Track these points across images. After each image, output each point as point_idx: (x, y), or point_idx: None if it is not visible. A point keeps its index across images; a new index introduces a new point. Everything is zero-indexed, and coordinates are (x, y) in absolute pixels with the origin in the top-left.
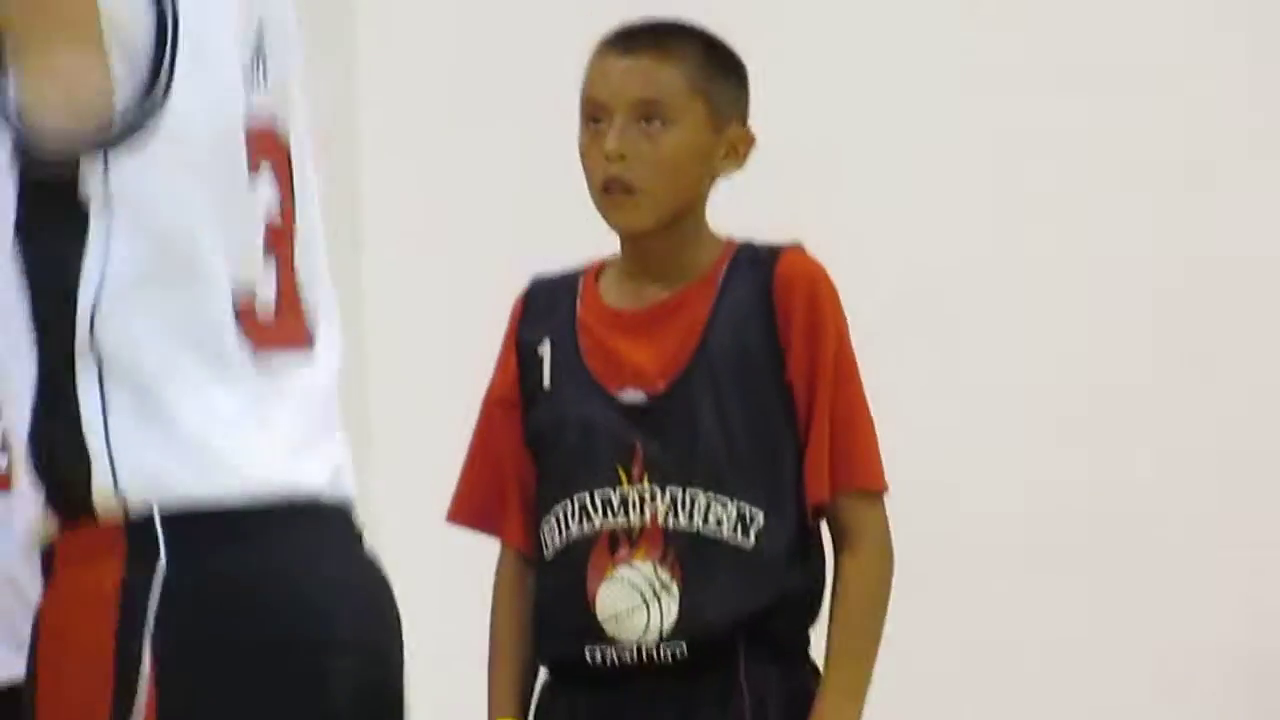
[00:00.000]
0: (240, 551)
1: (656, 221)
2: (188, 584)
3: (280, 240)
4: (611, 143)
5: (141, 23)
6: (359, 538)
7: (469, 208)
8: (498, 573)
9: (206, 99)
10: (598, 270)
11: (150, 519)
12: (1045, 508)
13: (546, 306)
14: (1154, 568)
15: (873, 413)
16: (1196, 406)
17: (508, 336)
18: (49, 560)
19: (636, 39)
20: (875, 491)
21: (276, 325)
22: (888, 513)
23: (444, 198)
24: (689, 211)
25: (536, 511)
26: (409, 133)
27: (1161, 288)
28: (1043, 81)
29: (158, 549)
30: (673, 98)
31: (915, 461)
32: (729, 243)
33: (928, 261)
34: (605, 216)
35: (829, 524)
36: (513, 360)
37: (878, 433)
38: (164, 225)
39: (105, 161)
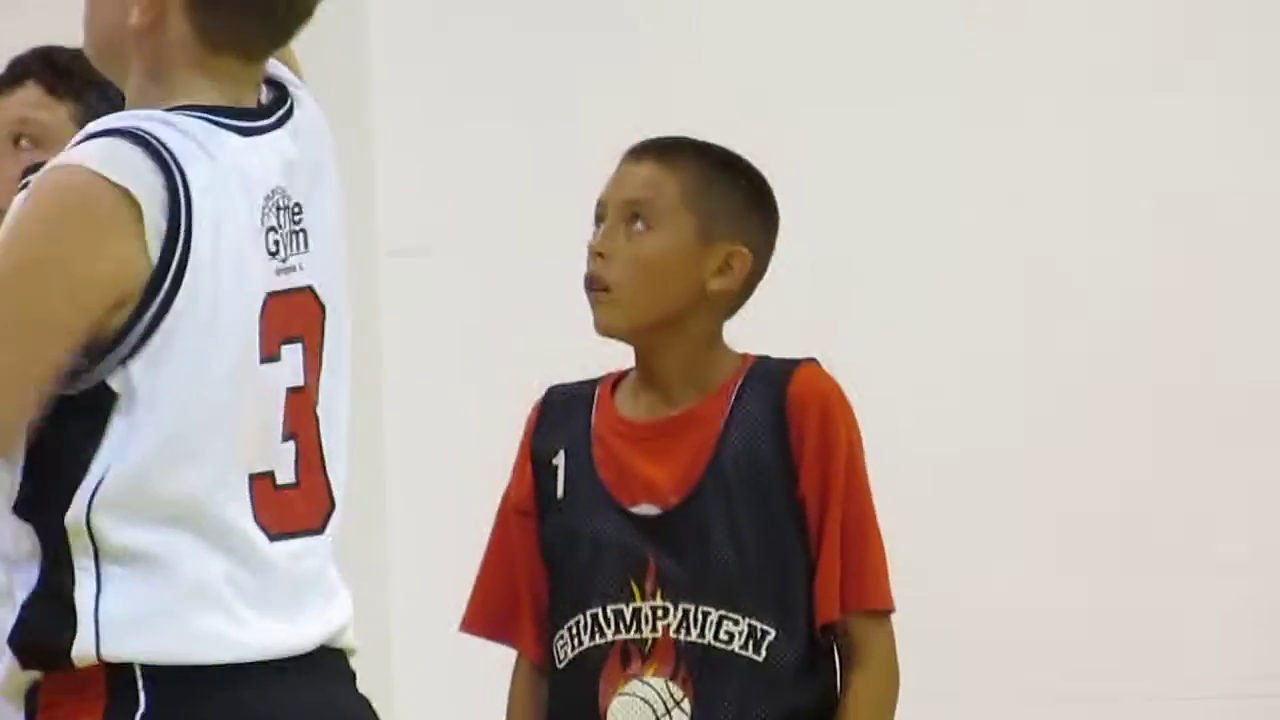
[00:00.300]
0: (222, 701)
1: (632, 323)
2: None
3: (302, 415)
4: (595, 240)
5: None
6: (349, 681)
7: (489, 316)
8: (512, 683)
9: (215, 301)
10: (615, 381)
11: (132, 669)
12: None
13: (562, 416)
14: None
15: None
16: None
17: (523, 445)
18: (31, 701)
19: (646, 148)
20: (883, 610)
21: (292, 508)
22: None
23: (462, 311)
24: (681, 323)
25: (550, 622)
26: (428, 265)
27: (1172, 413)
28: (1069, 206)
29: (137, 698)
30: (660, 202)
31: (925, 570)
32: (745, 358)
33: (944, 379)
34: (592, 315)
35: (837, 641)
36: (528, 469)
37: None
38: (174, 416)
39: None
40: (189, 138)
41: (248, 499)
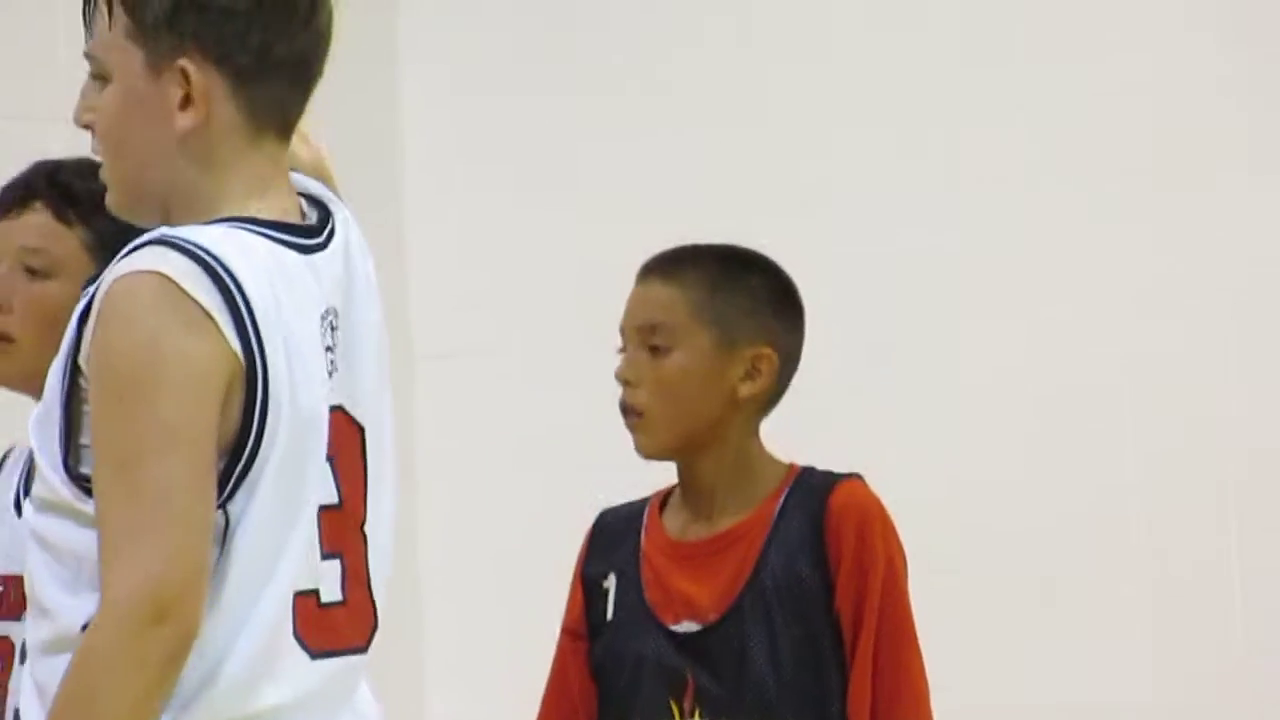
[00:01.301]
0: None
1: (669, 443)
2: None
3: (344, 533)
4: (620, 368)
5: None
6: None
7: (525, 419)
8: None
9: (293, 420)
10: (663, 498)
11: None
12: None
13: (613, 540)
14: None
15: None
16: None
17: (576, 570)
18: None
19: (656, 267)
20: None
21: (336, 626)
22: None
23: (497, 415)
24: (717, 434)
25: None
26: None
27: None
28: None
29: None
30: (674, 322)
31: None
32: (790, 469)
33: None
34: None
35: None
36: (579, 593)
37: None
38: (254, 543)
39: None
40: (249, 254)
41: (290, 617)
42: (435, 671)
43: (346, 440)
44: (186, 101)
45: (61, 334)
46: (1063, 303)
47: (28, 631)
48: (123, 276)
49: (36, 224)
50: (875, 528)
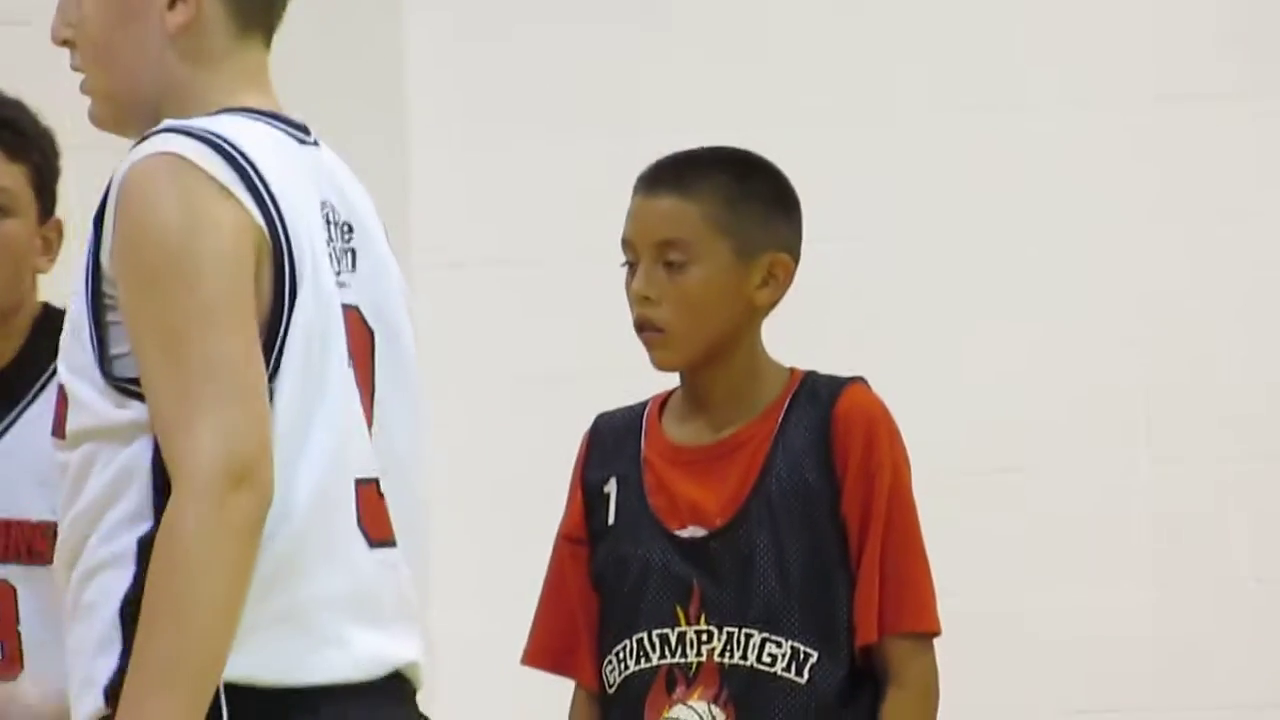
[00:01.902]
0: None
1: (691, 357)
2: None
3: None
4: (638, 285)
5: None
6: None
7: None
8: (570, 712)
9: (316, 295)
10: (661, 402)
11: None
12: None
13: (613, 445)
14: None
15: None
16: None
17: (574, 476)
18: None
19: (662, 178)
20: (925, 634)
21: (384, 517)
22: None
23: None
24: (733, 343)
25: (600, 648)
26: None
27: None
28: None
29: (220, 714)
30: (693, 236)
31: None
32: (793, 374)
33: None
34: (648, 354)
35: (876, 663)
36: (579, 499)
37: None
38: (294, 409)
39: None
40: (254, 136)
41: (353, 503)
42: (439, 583)
43: (360, 341)
44: (174, 0)
45: (24, 273)
46: None
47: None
48: (136, 163)
49: None
50: (881, 433)
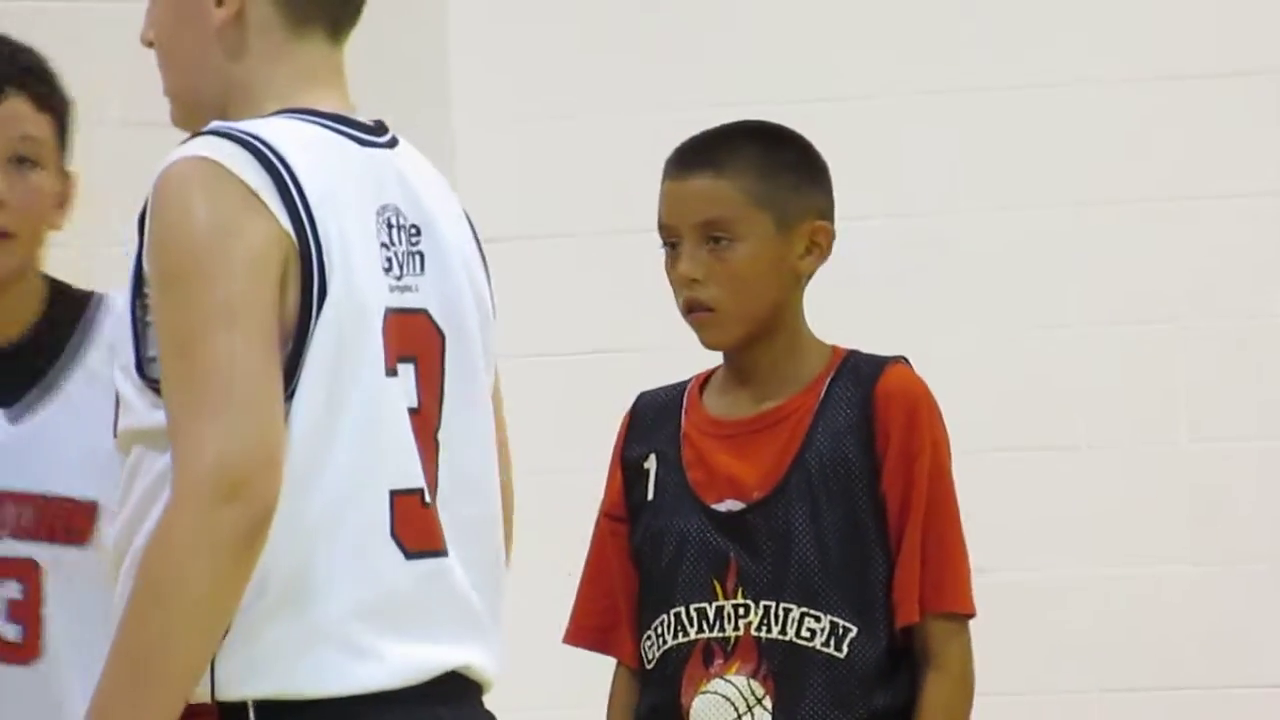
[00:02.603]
0: None
1: (744, 334)
2: None
3: (422, 439)
4: (684, 267)
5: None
6: (473, 703)
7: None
8: (611, 690)
9: (349, 301)
10: (703, 380)
11: (245, 707)
12: None
13: (653, 421)
14: None
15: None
16: None
17: (615, 453)
18: None
19: (694, 159)
20: (961, 615)
21: (431, 527)
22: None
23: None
24: (779, 317)
25: (639, 622)
26: None
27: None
28: None
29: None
30: (734, 214)
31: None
32: (835, 351)
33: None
34: (698, 335)
35: (915, 643)
36: (619, 476)
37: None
38: (317, 417)
39: None
40: (302, 139)
41: (386, 514)
42: None
43: (427, 344)
44: None
45: (45, 228)
46: None
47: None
48: (170, 166)
49: (19, 111)
50: (923, 413)
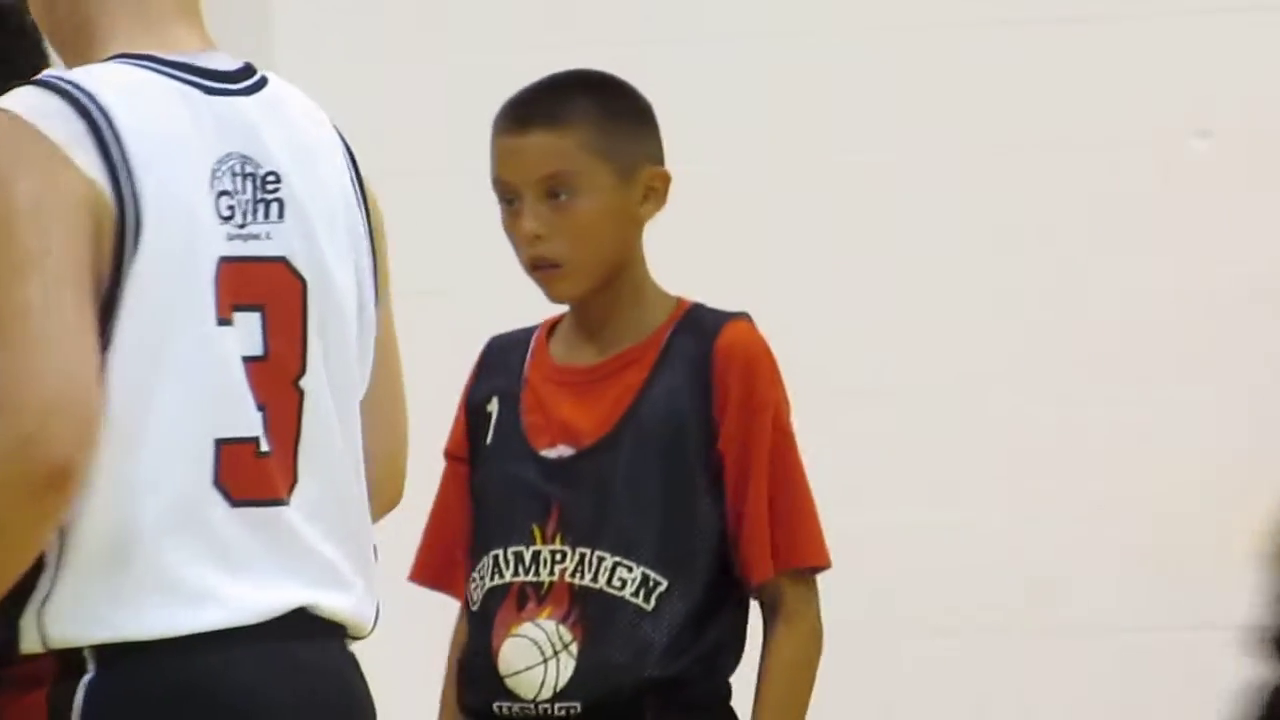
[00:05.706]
0: (171, 663)
1: (592, 286)
2: (115, 691)
3: (271, 386)
4: (527, 224)
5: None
6: (326, 649)
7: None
8: (454, 629)
9: (170, 253)
10: (551, 326)
11: (80, 650)
12: None
13: (500, 364)
14: None
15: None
16: None
17: (463, 394)
18: None
19: (528, 113)
20: (814, 568)
21: (267, 476)
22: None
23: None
24: (623, 266)
25: (468, 565)
26: None
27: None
28: None
29: (85, 665)
30: (575, 167)
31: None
32: (679, 303)
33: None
34: (543, 291)
35: (760, 598)
36: (463, 418)
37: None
38: (138, 370)
39: None
40: (131, 87)
41: (210, 464)
42: None
43: (282, 292)
44: None
45: None
46: None
47: None
48: None
49: None
50: (762, 371)
